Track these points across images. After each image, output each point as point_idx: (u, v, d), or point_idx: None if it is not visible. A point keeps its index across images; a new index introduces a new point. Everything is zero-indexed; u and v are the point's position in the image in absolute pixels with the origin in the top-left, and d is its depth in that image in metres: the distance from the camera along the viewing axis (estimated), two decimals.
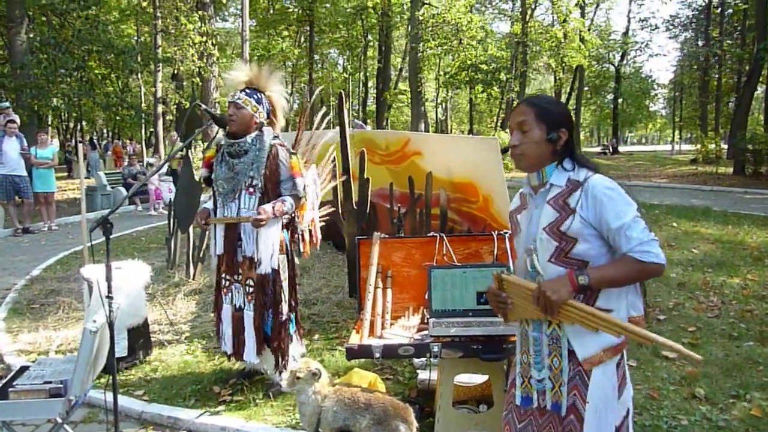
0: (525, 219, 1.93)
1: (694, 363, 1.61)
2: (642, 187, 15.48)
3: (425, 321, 3.14)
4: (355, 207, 5.18)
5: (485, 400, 3.15)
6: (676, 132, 43.29)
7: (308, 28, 32.02)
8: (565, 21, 28.66)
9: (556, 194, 1.82)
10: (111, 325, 2.66)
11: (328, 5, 30.94)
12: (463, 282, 3.04)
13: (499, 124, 31.54)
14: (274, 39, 33.69)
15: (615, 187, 1.77)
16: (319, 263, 6.48)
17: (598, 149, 38.90)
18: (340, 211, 5.26)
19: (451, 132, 37.36)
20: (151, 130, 21.01)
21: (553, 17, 31.13)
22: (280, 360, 3.53)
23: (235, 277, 3.46)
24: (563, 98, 35.14)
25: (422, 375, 3.47)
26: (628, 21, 37.04)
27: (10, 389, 2.60)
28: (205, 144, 11.17)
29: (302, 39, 34.80)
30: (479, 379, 3.25)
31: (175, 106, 21.87)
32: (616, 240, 1.74)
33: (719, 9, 28.27)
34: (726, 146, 22.42)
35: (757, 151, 16.47)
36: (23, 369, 2.86)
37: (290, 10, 31.97)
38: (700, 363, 1.63)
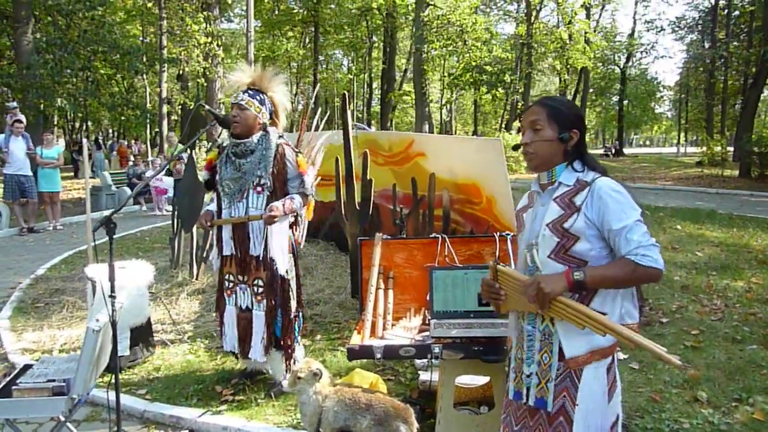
0: (530, 216, 1.95)
1: (678, 368, 1.60)
2: (647, 190, 15.43)
3: (426, 322, 3.15)
4: (358, 208, 5.19)
5: (486, 401, 3.15)
6: (682, 134, 43.17)
7: (313, 29, 32.09)
8: (570, 22, 28.63)
9: (564, 192, 1.84)
10: (114, 324, 2.68)
11: (333, 6, 30.98)
12: (464, 283, 3.04)
13: (503, 125, 31.51)
14: (279, 40, 33.76)
15: (621, 190, 1.79)
16: (322, 264, 6.49)
17: (601, 151, 38.75)
18: (343, 211, 5.27)
19: (455, 133, 37.32)
20: (156, 130, 21.09)
21: (558, 19, 31.11)
22: (287, 360, 3.53)
23: (242, 277, 3.47)
24: (568, 99, 35.05)
25: (423, 376, 3.47)
26: (634, 23, 36.96)
27: (13, 387, 2.62)
28: (209, 144, 11.21)
29: (307, 40, 34.87)
30: (480, 380, 3.25)
31: (180, 107, 21.95)
32: (617, 242, 1.75)
33: (725, 11, 28.15)
34: (732, 149, 22.31)
35: (763, 153, 16.40)
36: (27, 367, 2.88)
37: (295, 11, 32.04)
38: (682, 369, 1.65)
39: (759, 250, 6.84)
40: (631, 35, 37.27)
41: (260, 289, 3.42)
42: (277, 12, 32.21)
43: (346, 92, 5.51)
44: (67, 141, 27.84)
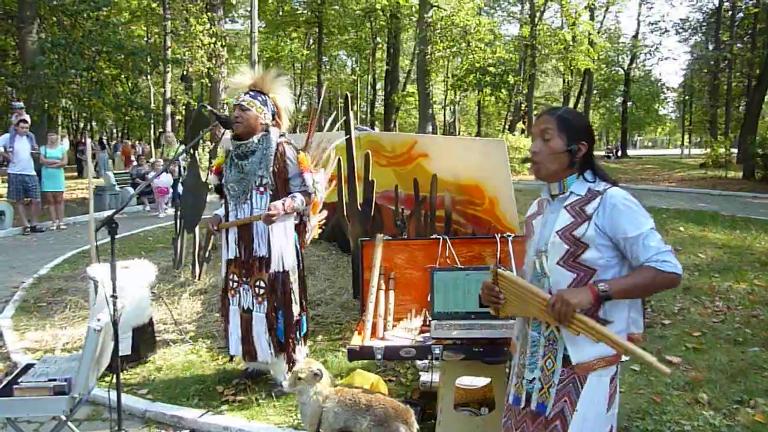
0: (539, 223, 1.97)
1: (664, 368, 1.62)
2: (650, 191, 15.40)
3: (427, 323, 3.14)
4: (360, 209, 5.19)
5: (487, 402, 3.14)
6: (686, 136, 43.05)
7: (317, 30, 32.10)
8: (574, 24, 28.60)
9: (574, 201, 1.86)
10: (115, 323, 2.69)
11: (337, 7, 30.98)
12: (465, 284, 3.05)
13: (507, 126, 31.50)
14: (283, 40, 33.78)
15: (633, 199, 1.81)
16: (324, 264, 6.50)
17: (602, 153, 38.63)
18: (344, 212, 5.28)
19: (459, 134, 37.30)
20: (161, 130, 21.12)
21: (562, 20, 31.06)
22: (288, 361, 3.54)
23: (245, 278, 3.48)
24: (572, 101, 35.03)
25: (424, 377, 3.47)
26: (638, 24, 36.87)
27: (14, 386, 2.63)
28: (212, 145, 11.23)
29: (311, 41, 34.91)
30: (481, 381, 3.24)
31: (184, 107, 21.99)
32: (634, 249, 1.76)
33: (730, 12, 28.10)
34: (736, 150, 22.26)
35: (766, 155, 16.35)
36: (28, 366, 2.89)
37: (299, 11, 32.08)
38: (667, 375, 1.66)
39: (762, 252, 6.82)
40: (635, 37, 37.18)
41: (261, 290, 3.43)
42: (281, 13, 32.24)
43: (348, 93, 5.53)
44: (72, 141, 27.93)
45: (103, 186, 13.46)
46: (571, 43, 27.95)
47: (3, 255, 8.22)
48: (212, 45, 18.34)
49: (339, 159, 5.34)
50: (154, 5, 21.11)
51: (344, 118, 5.03)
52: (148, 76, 20.36)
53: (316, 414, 2.76)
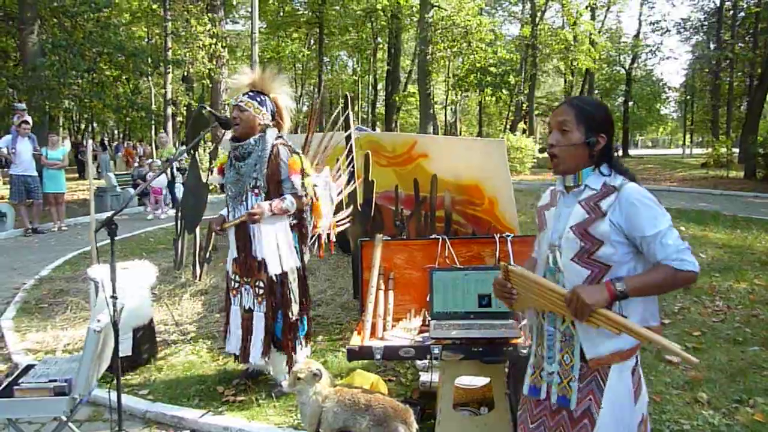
0: (553, 215, 1.95)
1: (694, 367, 1.63)
2: (652, 191, 15.28)
3: (426, 323, 3.15)
4: (360, 209, 5.20)
5: (486, 402, 3.15)
6: (687, 135, 43.02)
7: (318, 31, 32.13)
8: (575, 24, 28.59)
9: (589, 196, 1.84)
10: (115, 324, 2.70)
11: (337, 7, 31.01)
12: (464, 284, 3.06)
13: (508, 126, 31.50)
14: (284, 41, 33.81)
15: (650, 196, 1.79)
16: (325, 265, 6.51)
17: None
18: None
19: (460, 134, 37.30)
20: (162, 131, 21.16)
21: (563, 20, 31.06)
22: (288, 361, 3.54)
23: (246, 278, 3.49)
24: None
25: (424, 377, 3.48)
26: (639, 24, 36.84)
27: (15, 387, 2.64)
28: (213, 146, 11.23)
29: (312, 41, 34.92)
30: (481, 381, 3.25)
31: (185, 108, 22.02)
32: (651, 247, 1.74)
33: (731, 12, 28.08)
34: (737, 150, 22.23)
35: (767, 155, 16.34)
36: (29, 367, 2.90)
37: (300, 12, 32.12)
38: (694, 364, 1.66)
39: (762, 252, 6.82)
40: (637, 36, 37.16)
41: (261, 291, 3.44)
42: (281, 13, 32.28)
43: (348, 94, 5.53)
44: (73, 142, 27.98)
45: (105, 187, 13.48)
46: (572, 42, 27.95)
47: (4, 256, 8.23)
48: (213, 46, 18.37)
49: (338, 159, 5.36)
50: (154, 6, 21.13)
51: (341, 117, 5.03)
52: (149, 78, 20.36)
53: (315, 414, 2.77)
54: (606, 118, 1.89)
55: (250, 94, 3.45)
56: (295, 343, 3.57)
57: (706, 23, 31.82)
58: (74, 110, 15.32)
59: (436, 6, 23.82)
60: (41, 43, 14.13)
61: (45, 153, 10.14)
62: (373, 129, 31.35)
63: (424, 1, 23.64)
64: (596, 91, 38.01)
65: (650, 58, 40.23)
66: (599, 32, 31.69)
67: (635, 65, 38.85)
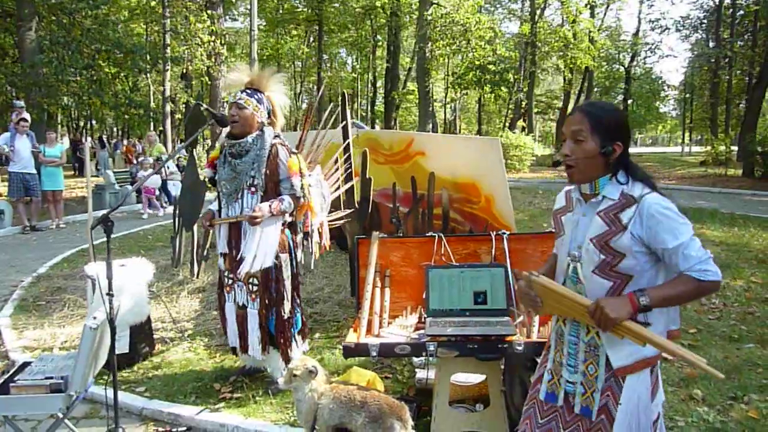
0: (570, 222, 1.93)
1: (717, 373, 1.64)
2: None
3: (422, 320, 3.16)
4: (357, 206, 5.20)
5: (482, 399, 3.16)
6: (686, 133, 43.01)
7: (317, 28, 32.11)
8: (574, 21, 28.54)
9: (608, 207, 1.81)
10: (111, 321, 2.70)
11: (336, 5, 30.98)
12: (460, 282, 3.06)
13: (507, 124, 31.49)
14: (283, 38, 33.78)
15: (671, 206, 1.76)
16: (322, 262, 6.51)
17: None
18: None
19: (460, 132, 37.29)
20: (161, 128, 21.11)
21: (562, 18, 31.02)
22: (284, 358, 3.55)
23: (238, 275, 3.50)
24: (572, 99, 34.98)
25: (420, 374, 3.49)
26: (639, 22, 36.77)
27: (11, 384, 2.64)
28: (211, 143, 11.23)
29: (311, 38, 34.90)
30: (477, 378, 3.26)
31: (183, 105, 21.98)
32: (673, 259, 1.73)
33: (730, 10, 28.06)
34: (736, 148, 22.23)
35: (766, 153, 16.34)
36: (25, 365, 2.91)
37: (299, 9, 32.09)
38: (720, 379, 1.68)
39: (759, 250, 6.83)
40: (636, 34, 37.12)
41: (255, 287, 3.45)
42: (281, 11, 32.26)
43: (345, 91, 5.54)
44: (72, 139, 27.94)
45: (103, 185, 13.47)
46: (571, 40, 27.90)
47: (2, 254, 8.23)
48: (212, 43, 18.32)
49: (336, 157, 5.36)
50: (153, 3, 21.09)
51: (337, 114, 5.03)
52: (148, 75, 20.34)
53: (311, 411, 2.78)
54: (621, 124, 1.85)
55: (248, 91, 3.45)
56: (290, 341, 3.58)
57: (705, 21, 31.79)
58: (73, 108, 15.26)
59: (435, 3, 23.77)
60: (39, 40, 14.10)
61: (43, 150, 10.14)
62: (373, 127, 31.38)
63: None
64: (596, 89, 37.99)
65: (649, 56, 40.23)
66: (598, 30, 31.66)
67: (635, 63, 38.80)
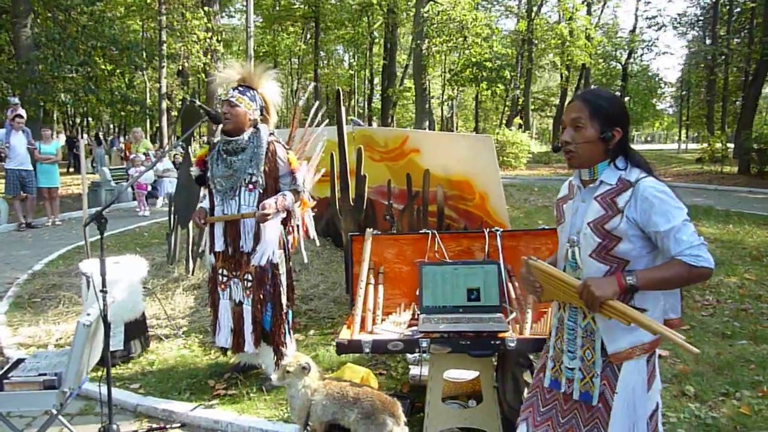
0: (570, 209, 1.96)
1: (693, 349, 1.66)
2: None
3: (416, 317, 3.17)
4: (352, 204, 5.21)
5: (475, 395, 3.17)
6: (683, 131, 43.08)
7: (314, 25, 32.04)
8: (571, 18, 28.56)
9: (605, 191, 1.84)
10: (105, 318, 2.71)
11: (333, 1, 30.92)
12: (453, 279, 3.07)
13: (504, 121, 31.50)
14: (280, 35, 33.71)
15: (666, 190, 1.77)
16: (318, 259, 6.52)
17: None
18: (337, 207, 5.29)
19: (457, 129, 37.27)
20: (157, 125, 21.08)
21: (559, 15, 31.02)
22: (277, 354, 3.56)
23: (234, 272, 3.50)
24: (569, 96, 34.99)
25: (414, 370, 3.50)
26: (635, 19, 36.79)
27: (5, 381, 2.65)
28: (207, 139, 11.21)
29: (308, 35, 34.83)
30: (470, 374, 3.27)
31: (180, 102, 21.95)
32: (665, 243, 1.74)
33: (727, 7, 28.08)
34: (732, 145, 22.27)
35: (762, 150, 16.35)
36: (19, 361, 2.91)
37: (296, 6, 31.99)
38: (696, 354, 1.69)
39: (753, 247, 6.86)
40: (633, 31, 37.13)
41: (249, 284, 3.46)
42: (277, 7, 32.18)
43: (339, 88, 5.53)
44: (68, 136, 27.89)
45: (99, 182, 13.44)
46: (568, 37, 27.91)
47: None
48: (208, 40, 18.29)
49: (332, 154, 5.36)
50: (149, 0, 21.01)
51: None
52: (144, 72, 20.29)
53: (304, 407, 2.79)
54: (620, 111, 1.88)
55: (240, 89, 3.45)
56: (284, 336, 3.59)
57: (701, 18, 31.84)
58: (69, 105, 15.19)
59: (432, 1, 23.76)
60: (35, 37, 14.05)
61: (38, 147, 10.11)
62: (370, 124, 31.36)
63: None
64: (592, 87, 38.00)
65: (646, 54, 40.28)
66: (595, 27, 31.70)
67: (631, 60, 38.83)
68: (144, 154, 12.62)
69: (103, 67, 16.33)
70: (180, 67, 22.35)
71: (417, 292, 3.13)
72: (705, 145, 21.62)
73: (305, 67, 35.95)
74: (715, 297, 5.10)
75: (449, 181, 5.08)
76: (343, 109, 4.95)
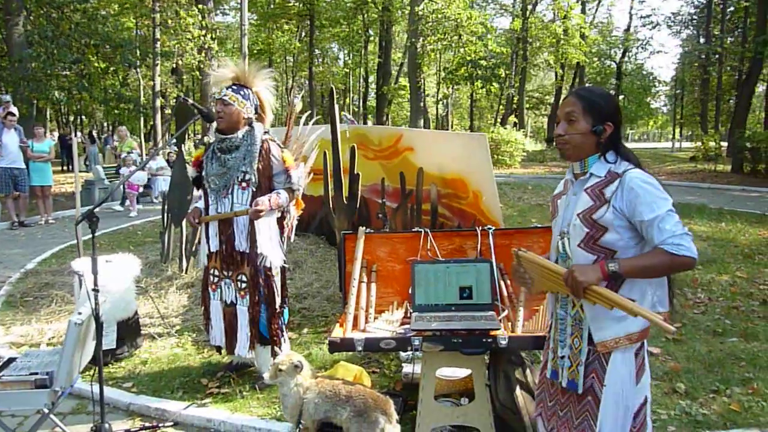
0: (563, 203, 2.02)
1: (669, 327, 1.69)
2: None
3: (408, 315, 3.17)
4: (345, 202, 5.21)
5: (467, 393, 3.18)
6: (677, 129, 43.24)
7: (309, 23, 31.95)
8: (565, 17, 28.60)
9: (594, 183, 1.90)
10: (97, 317, 2.70)
11: None
12: (446, 277, 3.08)
13: (498, 120, 31.52)
14: (275, 33, 33.61)
15: (652, 181, 1.82)
16: (312, 258, 6.52)
17: None
18: (330, 205, 5.29)
19: (452, 128, 37.27)
20: (151, 123, 20.99)
21: (554, 13, 31.07)
22: (273, 353, 3.56)
23: (226, 272, 3.50)
24: (563, 95, 35.06)
25: (407, 368, 3.51)
26: (630, 18, 36.92)
27: None
28: (200, 137, 11.18)
29: (303, 33, 34.72)
30: (462, 372, 3.28)
31: (174, 100, 21.86)
32: (649, 232, 1.79)
33: (720, 6, 28.20)
34: (726, 144, 22.36)
35: (755, 149, 16.44)
36: (10, 360, 2.91)
37: (290, 4, 31.87)
38: (672, 332, 1.73)
39: (745, 245, 6.90)
40: (627, 30, 37.23)
41: (243, 285, 3.45)
42: (272, 5, 32.07)
43: (332, 87, 5.53)
44: (61, 134, 27.76)
45: (93, 180, 13.39)
46: (562, 36, 27.96)
47: None
48: (202, 38, 18.21)
49: (325, 152, 5.36)
50: None
51: (329, 111, 5.02)
52: (137, 70, 20.18)
53: (297, 405, 2.79)
54: (612, 106, 1.94)
55: (234, 87, 3.45)
56: (280, 335, 3.59)
57: (695, 17, 31.96)
58: (62, 102, 15.08)
59: None
60: (27, 34, 13.96)
61: (31, 145, 10.06)
62: (365, 122, 31.32)
63: None
64: (587, 85, 38.06)
65: (640, 52, 40.40)
66: (590, 26, 31.74)
67: (626, 59, 38.95)
68: (128, 153, 12.57)
69: (96, 64, 16.22)
70: (174, 65, 22.25)
71: (409, 291, 3.13)
72: (698, 143, 21.72)
73: (300, 65, 35.83)
74: (707, 295, 5.13)
75: (443, 179, 5.09)
76: (336, 107, 4.94)
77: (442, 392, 3.24)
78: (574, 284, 1.79)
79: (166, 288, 5.64)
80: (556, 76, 36.10)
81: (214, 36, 19.22)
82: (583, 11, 32.34)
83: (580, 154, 1.93)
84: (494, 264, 3.16)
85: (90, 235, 2.69)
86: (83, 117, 34.04)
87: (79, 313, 2.69)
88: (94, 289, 2.70)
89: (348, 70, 38.37)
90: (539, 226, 3.67)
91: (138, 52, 15.88)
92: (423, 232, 3.44)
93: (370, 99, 39.50)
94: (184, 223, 5.95)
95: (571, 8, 28.99)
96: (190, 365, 4.01)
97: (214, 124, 3.49)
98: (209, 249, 3.55)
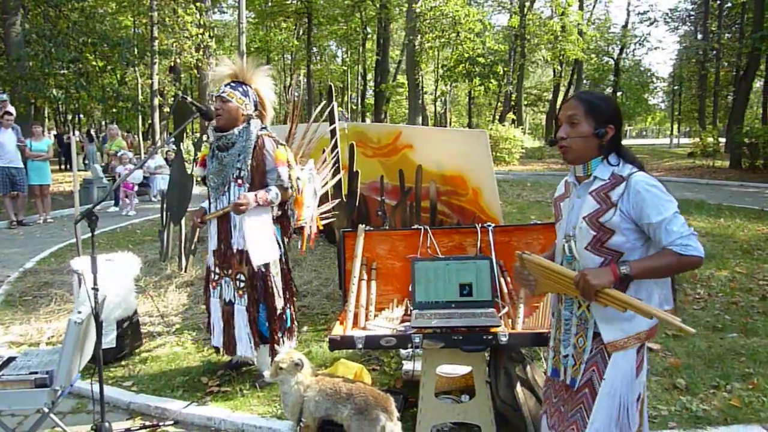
0: (567, 206, 2.04)
1: (689, 329, 1.73)
2: None
3: (408, 312, 3.17)
4: (345, 200, 5.21)
5: (468, 390, 3.18)
6: (675, 125, 43.26)
7: (306, 20, 31.89)
8: (563, 14, 28.57)
9: (599, 186, 1.92)
10: (96, 316, 2.70)
11: None
12: (446, 274, 3.08)
13: (497, 117, 31.51)
14: (273, 31, 33.55)
15: (657, 184, 1.86)
16: (311, 256, 6.51)
17: None
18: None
19: (450, 125, 37.26)
20: (149, 122, 20.95)
21: (551, 10, 31.04)
22: (272, 353, 3.55)
23: (226, 271, 3.49)
24: (562, 91, 35.05)
25: (407, 366, 3.51)
26: (628, 14, 37.02)
27: None
28: (199, 136, 11.16)
29: (301, 31, 34.68)
30: (463, 369, 3.28)
31: (172, 98, 21.81)
32: (657, 234, 1.82)
33: (718, 2, 28.19)
34: (724, 140, 22.37)
35: (753, 144, 16.45)
36: (10, 360, 2.90)
37: (288, 1, 31.83)
38: (692, 334, 1.78)
39: (744, 240, 6.91)
40: (625, 27, 37.23)
41: (242, 284, 3.44)
42: (270, 3, 31.99)
43: (331, 84, 5.52)
44: (59, 133, 27.71)
45: (91, 179, 13.36)
46: (560, 33, 27.94)
47: None
48: (200, 36, 18.18)
49: (324, 150, 5.35)
50: None
51: (326, 108, 5.02)
52: (135, 68, 20.14)
53: (297, 403, 2.79)
54: (613, 109, 1.97)
55: (232, 84, 3.44)
56: (280, 336, 3.57)
57: (693, 13, 31.95)
58: (60, 101, 15.05)
59: None
60: (25, 33, 13.93)
61: (29, 144, 10.04)
62: (363, 120, 31.31)
63: None
64: (585, 82, 38.06)
65: (638, 49, 40.38)
66: (588, 22, 31.72)
67: (623, 55, 38.95)
68: (115, 152, 12.54)
69: (94, 63, 16.20)
70: (172, 64, 22.23)
71: (409, 288, 3.13)
72: (697, 139, 21.74)
73: (298, 62, 35.77)
74: (707, 290, 5.13)
75: (443, 176, 5.08)
76: (335, 104, 4.94)
77: (442, 389, 3.24)
78: (587, 287, 1.81)
79: (165, 287, 5.64)
80: (554, 72, 36.12)
81: (211, 34, 19.21)
82: (581, 8, 32.30)
83: (583, 157, 1.95)
84: (494, 261, 3.16)
85: (89, 234, 2.68)
86: (81, 116, 33.95)
87: (79, 312, 2.69)
88: (93, 288, 2.69)
89: (346, 68, 38.33)
90: (538, 222, 3.68)
91: (136, 50, 15.84)
92: (423, 230, 3.44)
93: (369, 96, 39.45)
94: (183, 221, 5.95)
95: (568, 5, 28.97)
96: (190, 364, 4.00)
97: (213, 123, 3.48)
98: (211, 246, 3.55)
